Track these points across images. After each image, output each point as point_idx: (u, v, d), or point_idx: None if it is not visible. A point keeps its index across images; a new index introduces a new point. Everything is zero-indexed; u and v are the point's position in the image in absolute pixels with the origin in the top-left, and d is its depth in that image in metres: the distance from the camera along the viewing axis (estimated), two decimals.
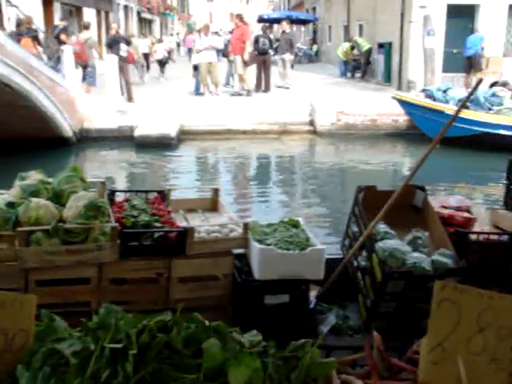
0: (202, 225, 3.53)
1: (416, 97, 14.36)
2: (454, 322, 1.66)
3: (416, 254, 3.63)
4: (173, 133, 13.37)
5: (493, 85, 15.71)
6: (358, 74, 24.06)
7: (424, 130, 13.14)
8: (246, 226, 3.41)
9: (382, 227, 3.80)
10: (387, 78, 20.94)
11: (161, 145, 12.89)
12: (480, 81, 3.85)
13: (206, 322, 1.60)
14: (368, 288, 3.70)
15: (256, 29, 34.52)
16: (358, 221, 3.97)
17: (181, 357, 1.48)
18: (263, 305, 3.37)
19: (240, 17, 18.20)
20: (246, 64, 17.58)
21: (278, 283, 3.34)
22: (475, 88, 3.70)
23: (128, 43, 17.04)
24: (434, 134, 3.56)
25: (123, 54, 16.07)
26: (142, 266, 3.32)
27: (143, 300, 3.39)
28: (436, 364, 1.64)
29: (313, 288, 3.83)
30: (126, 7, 37.06)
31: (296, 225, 3.68)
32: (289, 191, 10.26)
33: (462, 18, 19.05)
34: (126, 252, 3.27)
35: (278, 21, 28.33)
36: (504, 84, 15.42)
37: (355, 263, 3.92)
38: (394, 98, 14.31)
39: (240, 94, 17.53)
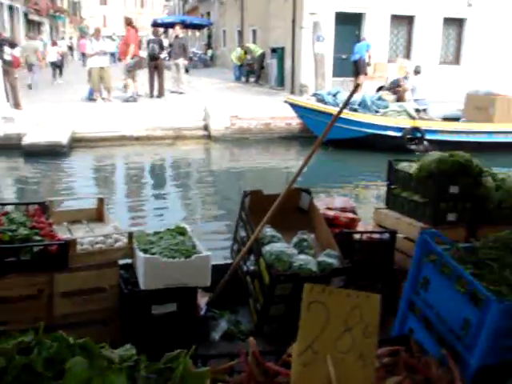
0: (85, 236, 3.41)
1: (307, 100, 14.74)
2: (322, 323, 1.71)
3: (302, 256, 3.71)
4: (64, 140, 12.88)
5: (379, 89, 16.53)
6: (252, 79, 24.39)
7: (316, 132, 13.50)
8: (130, 236, 3.34)
9: (269, 231, 3.86)
10: (280, 83, 21.36)
11: (51, 153, 12.35)
12: (357, 86, 4.03)
13: (71, 340, 1.53)
14: (257, 292, 3.74)
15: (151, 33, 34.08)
16: (245, 225, 4.00)
17: (41, 379, 1.41)
18: (151, 315, 3.32)
19: (128, 21, 17.94)
20: (129, 68, 17.34)
21: (165, 292, 3.30)
22: (353, 92, 3.84)
23: (12, 46, 16.25)
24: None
25: (7, 57, 15.32)
26: (21, 282, 3.16)
27: (25, 319, 3.23)
28: (306, 366, 1.68)
29: (204, 295, 3.82)
30: (10, 8, 35.20)
31: (183, 232, 3.65)
32: (182, 198, 10.18)
33: (349, 25, 19.83)
34: (4, 269, 3.11)
35: (172, 25, 28.12)
36: (389, 88, 16.24)
37: (244, 268, 3.95)
38: (286, 101, 14.59)
39: (134, 100, 17.25)
